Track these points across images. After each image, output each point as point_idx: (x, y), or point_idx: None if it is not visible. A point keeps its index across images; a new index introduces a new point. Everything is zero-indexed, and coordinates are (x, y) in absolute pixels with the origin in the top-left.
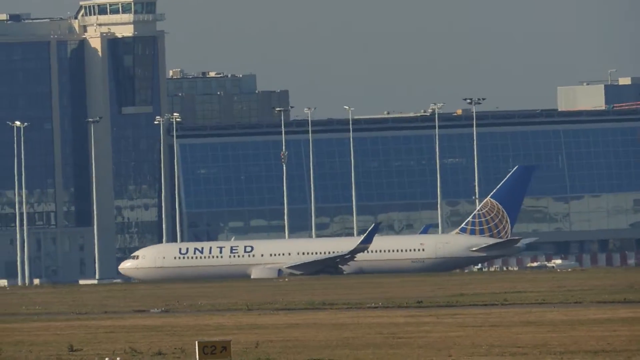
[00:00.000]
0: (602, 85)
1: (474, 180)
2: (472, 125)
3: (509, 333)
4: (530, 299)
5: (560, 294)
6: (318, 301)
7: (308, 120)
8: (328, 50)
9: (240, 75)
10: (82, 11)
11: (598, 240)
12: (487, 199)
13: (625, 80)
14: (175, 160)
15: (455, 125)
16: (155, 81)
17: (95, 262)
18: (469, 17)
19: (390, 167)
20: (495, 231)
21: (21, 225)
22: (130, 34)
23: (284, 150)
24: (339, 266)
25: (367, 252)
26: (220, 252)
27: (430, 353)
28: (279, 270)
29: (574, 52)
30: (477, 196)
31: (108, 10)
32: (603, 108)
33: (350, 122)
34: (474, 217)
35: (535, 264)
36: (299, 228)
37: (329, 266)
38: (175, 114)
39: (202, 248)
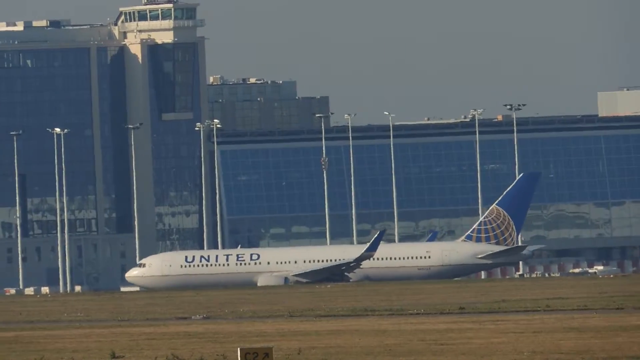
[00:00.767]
0: None
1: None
2: (512, 131)
3: (551, 339)
4: (572, 305)
5: (602, 300)
6: (360, 308)
7: (348, 126)
8: (368, 56)
9: (281, 82)
10: (122, 17)
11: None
12: (492, 206)
13: None
14: (216, 167)
15: (496, 131)
16: (195, 87)
17: None
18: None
19: (431, 173)
20: (501, 238)
21: (62, 232)
22: (171, 40)
23: (324, 156)
24: (345, 274)
25: (374, 259)
26: (227, 260)
27: (472, 359)
28: (285, 278)
29: (615, 58)
30: None
31: (148, 17)
32: None
33: (391, 128)
34: (479, 225)
35: (577, 270)
36: (340, 234)
37: (335, 274)
38: (215, 120)
39: (209, 256)
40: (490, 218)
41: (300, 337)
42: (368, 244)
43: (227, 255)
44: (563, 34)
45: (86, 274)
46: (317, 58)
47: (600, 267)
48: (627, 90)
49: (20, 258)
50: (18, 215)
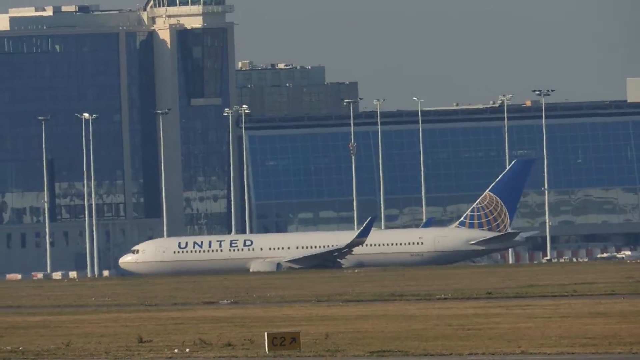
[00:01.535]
0: None
1: (543, 171)
2: (541, 117)
3: (578, 324)
4: (600, 290)
5: (629, 284)
6: (387, 292)
7: (377, 111)
8: (397, 41)
9: (309, 67)
10: (151, 3)
11: None
12: (485, 192)
13: None
14: (244, 152)
15: (525, 117)
16: (224, 73)
17: None
18: (539, 8)
19: (459, 158)
20: (494, 224)
21: (90, 217)
22: (200, 26)
23: (352, 142)
24: (338, 260)
25: (367, 245)
26: (220, 246)
27: (499, 344)
28: (278, 264)
29: None
30: (546, 187)
31: (177, 2)
32: None
33: (420, 114)
34: (472, 211)
35: (604, 255)
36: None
37: (328, 260)
38: (244, 105)
39: (202, 242)
40: (483, 204)
41: (327, 322)
42: (359, 230)
43: (221, 242)
44: (592, 20)
45: (114, 258)
46: (346, 43)
47: (628, 252)
48: None
49: (48, 243)
50: (46, 200)
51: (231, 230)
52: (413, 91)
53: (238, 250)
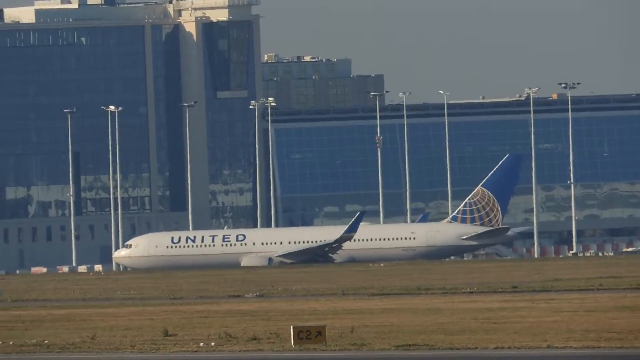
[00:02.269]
0: None
1: (569, 165)
2: (567, 110)
3: (604, 318)
4: (625, 284)
5: None
6: (413, 286)
7: (403, 104)
8: (423, 34)
9: (335, 60)
10: None
11: None
12: (478, 187)
13: None
14: (270, 145)
15: (551, 110)
16: (250, 65)
17: None
18: (564, 1)
19: (486, 151)
20: (486, 219)
21: (116, 210)
22: (225, 18)
23: (378, 135)
24: (329, 255)
25: (360, 240)
26: (213, 240)
27: (525, 338)
28: (269, 259)
29: None
30: (572, 181)
31: None
32: None
33: (446, 107)
34: (465, 206)
35: (630, 249)
36: (394, 213)
37: (319, 255)
38: (270, 98)
39: (195, 237)
40: (475, 199)
41: (353, 316)
42: (348, 225)
43: (213, 236)
44: (618, 12)
45: None
46: (372, 36)
47: None
48: None
49: (73, 236)
50: (71, 193)
51: (257, 224)
52: (439, 84)
53: (231, 245)
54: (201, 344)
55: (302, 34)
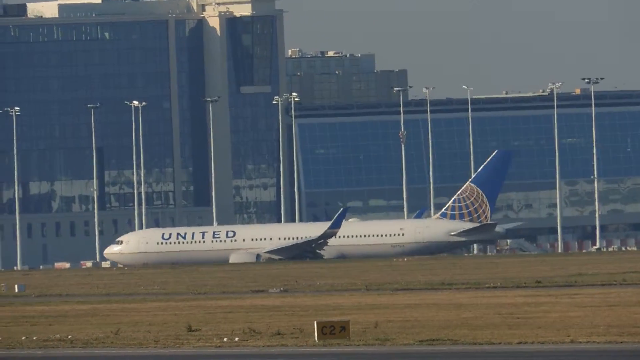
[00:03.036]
0: None
1: (593, 160)
2: (590, 105)
3: (627, 313)
4: None
5: None
6: (437, 281)
7: (427, 99)
8: (447, 29)
9: (359, 55)
10: None
11: None
12: (467, 183)
13: None
14: (294, 140)
15: (574, 105)
16: (273, 61)
17: None
18: None
19: (509, 147)
20: (475, 215)
21: (139, 205)
22: (249, 13)
23: (402, 130)
24: (317, 251)
25: (348, 236)
26: (203, 237)
27: (548, 333)
28: (257, 255)
29: None
30: (595, 176)
31: None
32: None
33: (469, 102)
34: (454, 202)
35: None
36: (418, 207)
37: (307, 251)
38: (293, 93)
39: (185, 233)
40: (464, 195)
41: (377, 311)
42: (331, 222)
43: (204, 233)
44: None
45: None
46: (396, 31)
47: None
48: None
49: (97, 231)
50: (95, 188)
51: (281, 219)
52: (463, 79)
53: (221, 241)
54: (225, 339)
55: (325, 29)
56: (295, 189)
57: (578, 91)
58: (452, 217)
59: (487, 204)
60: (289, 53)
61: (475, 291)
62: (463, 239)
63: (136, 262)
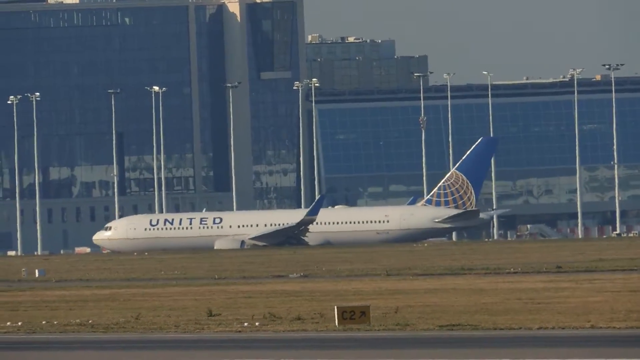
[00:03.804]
0: None
1: (613, 145)
2: (610, 91)
3: None
4: None
5: None
6: (457, 266)
7: (447, 85)
8: (467, 15)
9: (379, 41)
10: None
11: None
12: (452, 170)
13: None
14: (314, 126)
15: (594, 91)
16: (294, 46)
17: None
18: None
19: (529, 132)
20: (460, 202)
21: (160, 190)
22: None
23: (422, 115)
24: (301, 237)
25: (334, 223)
26: (190, 223)
27: (568, 319)
28: (242, 242)
29: None
30: (615, 162)
31: None
32: None
33: (489, 88)
34: (439, 189)
35: None
36: None
37: (291, 237)
38: (313, 79)
39: (172, 220)
40: (449, 182)
41: (397, 296)
42: (309, 209)
43: (191, 219)
44: None
45: None
46: (416, 17)
47: None
48: None
49: (117, 216)
50: (115, 173)
51: (300, 204)
52: (483, 65)
53: (208, 227)
54: (245, 324)
55: (346, 15)
56: (315, 175)
57: (598, 77)
58: (438, 203)
59: (472, 191)
60: (309, 39)
61: (496, 276)
62: (447, 225)
63: (124, 248)
